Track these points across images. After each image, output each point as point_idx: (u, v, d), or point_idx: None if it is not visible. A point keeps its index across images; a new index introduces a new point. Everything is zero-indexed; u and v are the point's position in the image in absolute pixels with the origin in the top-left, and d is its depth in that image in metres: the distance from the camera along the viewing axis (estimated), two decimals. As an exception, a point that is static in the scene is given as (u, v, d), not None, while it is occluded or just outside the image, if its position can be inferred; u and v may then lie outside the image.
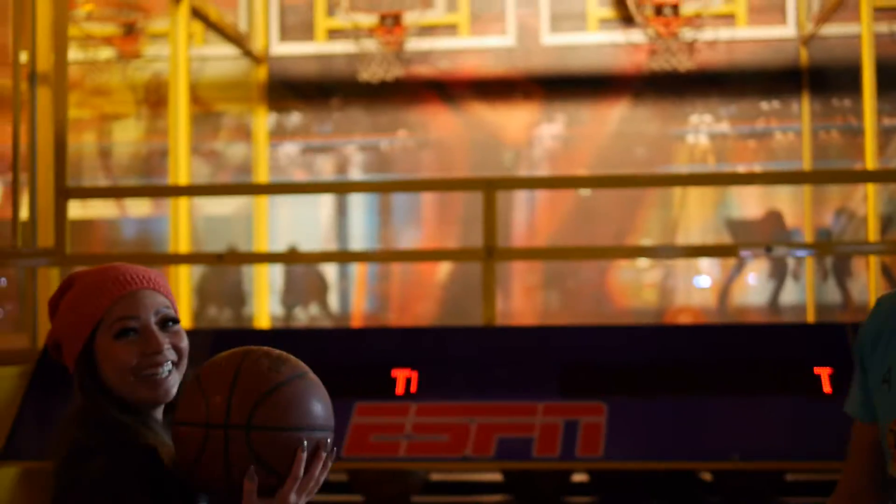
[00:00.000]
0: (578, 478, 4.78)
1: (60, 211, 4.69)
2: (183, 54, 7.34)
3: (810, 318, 8.90)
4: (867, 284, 7.54)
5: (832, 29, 8.82)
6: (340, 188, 9.23)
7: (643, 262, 9.34)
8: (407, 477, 4.54)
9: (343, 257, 8.87)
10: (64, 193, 4.67)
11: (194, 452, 1.77)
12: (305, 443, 1.81)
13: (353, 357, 4.30)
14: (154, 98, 9.27)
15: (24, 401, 4.26)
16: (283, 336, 5.63)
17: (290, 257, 8.23)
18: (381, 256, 8.56)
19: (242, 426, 1.79)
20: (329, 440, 1.86)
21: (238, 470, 1.78)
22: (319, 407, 1.85)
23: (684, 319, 8.93)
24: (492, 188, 4.56)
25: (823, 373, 4.06)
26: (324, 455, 1.84)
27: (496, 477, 4.82)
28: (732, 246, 8.38)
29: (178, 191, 6.91)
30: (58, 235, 4.70)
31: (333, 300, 9.65)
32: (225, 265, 8.82)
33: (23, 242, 4.82)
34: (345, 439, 4.09)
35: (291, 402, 1.81)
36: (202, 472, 1.79)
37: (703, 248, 8.58)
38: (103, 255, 7.69)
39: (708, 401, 4.08)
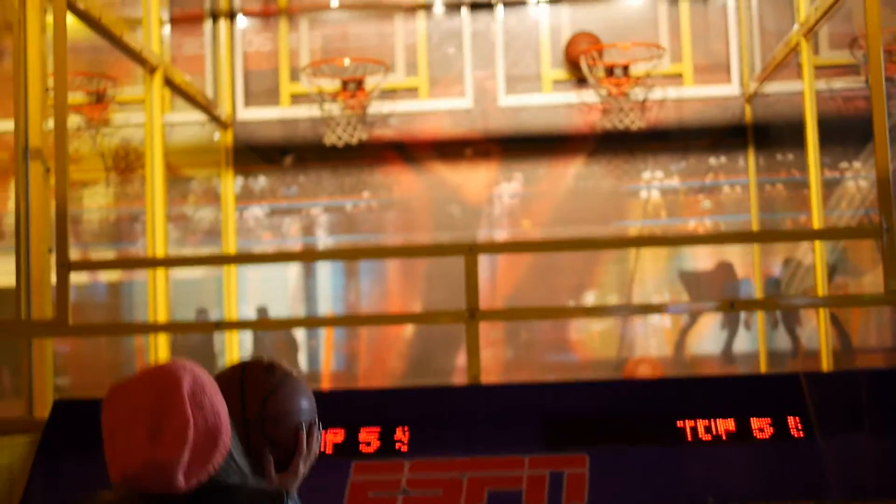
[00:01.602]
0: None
1: (62, 283, 4.89)
2: (157, 122, 7.57)
3: (763, 366, 9.25)
4: (816, 331, 7.87)
5: (774, 87, 9.24)
6: (315, 256, 9.49)
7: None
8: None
9: (329, 322, 9.14)
10: (66, 266, 4.88)
11: None
12: (303, 424, 2.46)
13: (350, 416, 4.54)
14: (123, 164, 9.47)
15: (34, 469, 4.43)
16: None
17: (280, 324, 8.53)
18: (368, 321, 8.87)
19: (257, 418, 2.42)
20: (316, 421, 2.53)
21: (257, 452, 2.38)
22: (307, 397, 2.55)
23: (644, 370, 9.25)
24: (473, 253, 4.85)
25: (791, 420, 4.38)
26: (315, 432, 2.49)
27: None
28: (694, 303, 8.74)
29: (170, 262, 7.16)
30: (59, 307, 4.90)
31: (303, 359, 9.85)
32: (220, 330, 9.00)
33: (25, 314, 5.04)
34: (344, 498, 4.31)
35: (288, 396, 2.49)
36: None
37: (658, 305, 8.97)
38: (104, 325, 7.87)
39: (683, 449, 4.38)
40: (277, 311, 9.68)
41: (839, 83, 9.41)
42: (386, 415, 4.59)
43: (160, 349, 7.21)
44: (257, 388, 2.48)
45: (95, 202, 9.81)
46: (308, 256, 9.11)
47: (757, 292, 9.45)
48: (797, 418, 4.46)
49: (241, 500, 2.01)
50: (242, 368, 2.56)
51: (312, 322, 8.96)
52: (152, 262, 6.98)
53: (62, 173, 4.98)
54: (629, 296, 9.70)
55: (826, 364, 7.39)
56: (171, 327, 6.77)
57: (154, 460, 1.90)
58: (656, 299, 9.66)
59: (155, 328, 6.96)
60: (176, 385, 1.95)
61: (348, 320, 9.12)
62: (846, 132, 9.24)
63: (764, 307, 9.10)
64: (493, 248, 7.94)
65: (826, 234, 7.78)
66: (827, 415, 4.46)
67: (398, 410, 4.63)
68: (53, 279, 5.13)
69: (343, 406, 4.63)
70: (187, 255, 8.81)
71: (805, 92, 7.70)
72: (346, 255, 9.29)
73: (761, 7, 9.75)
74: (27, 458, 4.47)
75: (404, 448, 4.47)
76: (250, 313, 9.52)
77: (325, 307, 9.83)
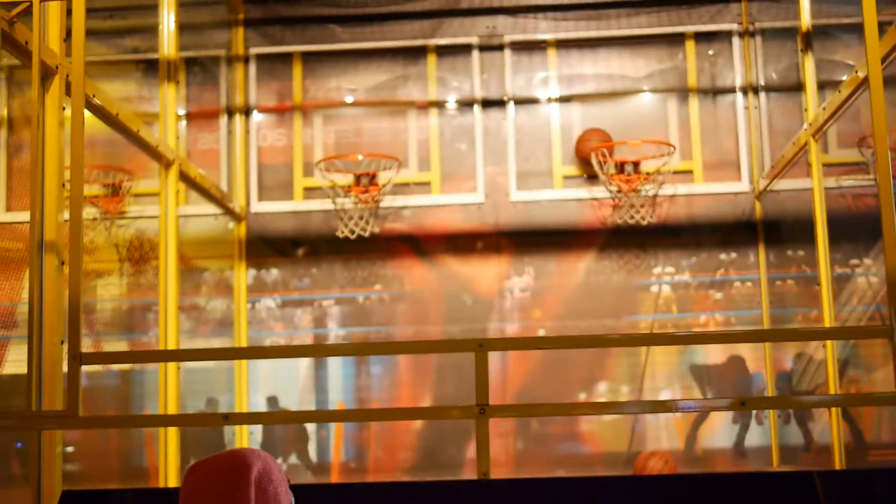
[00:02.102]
0: None
1: (73, 375, 4.93)
2: (172, 214, 7.66)
3: (775, 461, 9.20)
4: (828, 426, 7.84)
5: (784, 184, 9.33)
6: (325, 351, 9.49)
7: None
8: None
9: (339, 416, 9.09)
10: (78, 359, 4.92)
11: None
12: None
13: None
14: (137, 255, 9.56)
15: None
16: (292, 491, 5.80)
17: (289, 417, 8.53)
18: (378, 415, 8.87)
19: None
20: None
21: None
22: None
23: (655, 464, 9.19)
24: (484, 349, 4.87)
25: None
26: None
27: None
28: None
29: (182, 354, 7.20)
30: (70, 398, 4.93)
31: (312, 450, 9.83)
32: (231, 425, 9.00)
33: (35, 405, 5.07)
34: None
35: None
36: None
37: (668, 402, 8.95)
38: (115, 417, 7.87)
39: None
40: (288, 400, 9.68)
41: (848, 181, 9.49)
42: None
43: (170, 438, 7.20)
44: None
45: (109, 292, 9.88)
46: (318, 351, 9.16)
47: (769, 387, 9.44)
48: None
49: None
50: None
51: (321, 416, 8.95)
52: (164, 356, 7.02)
53: (76, 267, 5.04)
54: (640, 388, 9.68)
55: (838, 460, 7.35)
56: (180, 420, 6.79)
57: None
58: (667, 392, 9.65)
59: (164, 421, 6.97)
60: (246, 468, 2.16)
61: (358, 415, 9.12)
62: (856, 229, 9.30)
63: (776, 405, 9.08)
64: (504, 344, 7.96)
65: (836, 332, 7.79)
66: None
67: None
68: (65, 369, 5.16)
69: (353, 501, 4.61)
70: (199, 347, 8.85)
71: (814, 189, 7.78)
72: (356, 351, 9.30)
73: (770, 106, 9.89)
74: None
75: (413, 544, 4.46)
76: (261, 401, 9.53)
77: (336, 397, 9.83)
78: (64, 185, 5.47)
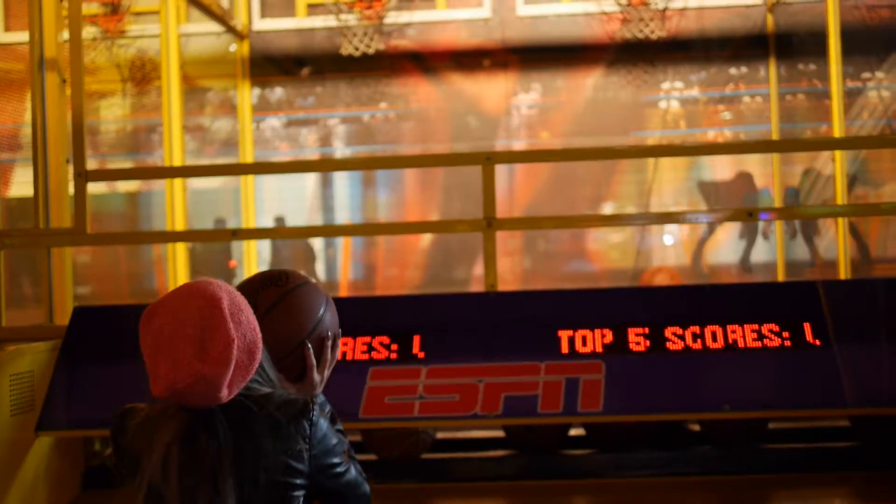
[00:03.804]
0: (575, 432, 5.07)
1: (80, 192, 4.91)
2: (173, 34, 7.54)
3: (780, 275, 9.26)
4: (834, 241, 7.87)
5: (797, -5, 9.13)
6: (335, 165, 9.46)
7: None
8: (417, 435, 4.82)
9: (346, 231, 9.11)
10: (84, 176, 4.90)
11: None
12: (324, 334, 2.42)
13: (367, 323, 4.58)
14: (139, 75, 9.44)
15: (55, 375, 4.50)
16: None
17: (297, 232, 8.57)
18: (385, 229, 8.90)
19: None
20: (332, 330, 2.45)
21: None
22: (321, 307, 2.44)
23: (661, 279, 9.27)
24: (490, 162, 4.83)
25: (806, 326, 4.40)
26: (328, 343, 2.42)
27: (499, 433, 5.10)
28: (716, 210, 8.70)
29: (187, 171, 7.19)
30: (77, 216, 4.93)
31: (320, 269, 9.91)
32: (238, 239, 9.06)
33: (43, 223, 5.08)
34: (361, 402, 4.37)
35: (298, 304, 2.40)
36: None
37: (676, 213, 8.94)
38: (122, 234, 7.88)
39: (699, 357, 4.40)
40: (295, 221, 9.70)
41: (862, -8, 9.28)
42: (403, 321, 4.62)
43: (178, 259, 7.26)
44: (269, 298, 2.41)
45: (112, 113, 9.81)
46: (325, 166, 9.10)
47: (776, 202, 9.42)
48: (814, 326, 4.47)
49: (270, 410, 2.14)
50: (258, 281, 2.50)
51: (330, 231, 8.98)
52: (169, 172, 7.00)
53: (78, 84, 4.98)
54: (647, 206, 9.68)
55: (844, 274, 7.39)
56: (189, 236, 6.81)
57: (202, 376, 2.02)
58: (675, 209, 9.65)
59: (173, 237, 7.00)
60: (217, 304, 2.07)
61: (365, 229, 9.11)
62: (869, 42, 9.14)
63: (783, 216, 9.07)
64: (511, 157, 7.92)
65: (847, 143, 7.73)
66: (844, 323, 4.47)
67: (415, 317, 4.66)
68: (71, 189, 5.15)
69: (360, 313, 4.66)
70: (204, 164, 8.80)
71: (828, 1, 7.63)
72: (362, 165, 9.27)
73: (787, -90, 9.58)
74: (48, 364, 4.54)
75: (421, 354, 4.51)
76: (268, 224, 9.54)
77: (343, 217, 9.86)
78: (62, 2, 5.35)
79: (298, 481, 2.16)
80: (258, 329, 2.14)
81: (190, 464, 2.07)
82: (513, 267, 9.75)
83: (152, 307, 2.10)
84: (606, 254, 9.84)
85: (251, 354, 2.09)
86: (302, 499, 2.18)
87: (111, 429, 2.20)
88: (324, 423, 2.21)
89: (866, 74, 9.53)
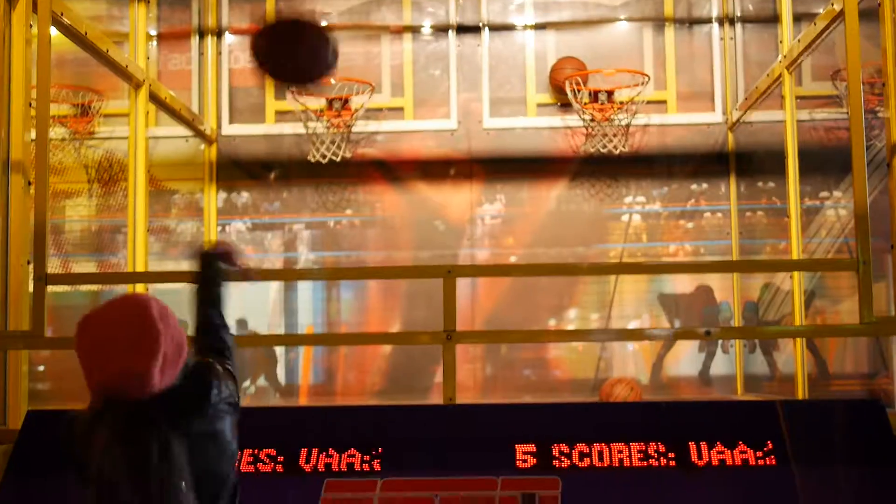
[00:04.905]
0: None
1: (39, 296, 4.91)
2: (142, 135, 7.60)
3: (739, 389, 9.31)
4: (793, 356, 7.92)
5: (757, 116, 9.32)
6: (300, 275, 9.47)
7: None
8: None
9: (308, 340, 9.13)
10: (44, 279, 4.90)
11: None
12: None
13: (324, 434, 4.56)
14: (106, 176, 9.47)
15: (5, 479, 4.44)
16: (257, 414, 5.83)
17: (257, 340, 8.52)
18: (346, 339, 8.91)
19: None
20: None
21: None
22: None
23: (621, 391, 9.28)
24: (451, 275, 4.89)
25: (766, 446, 4.43)
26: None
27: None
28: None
29: (147, 277, 7.19)
30: (36, 319, 4.92)
31: (280, 373, 9.85)
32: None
33: (1, 325, 5.06)
34: (316, 514, 4.33)
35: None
36: None
37: (635, 331, 9.05)
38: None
39: (659, 472, 4.41)
40: (257, 323, 9.68)
41: (821, 114, 9.50)
42: (360, 433, 4.61)
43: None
44: None
45: (78, 213, 9.82)
46: (288, 276, 9.11)
47: (735, 317, 9.51)
48: (772, 445, 4.50)
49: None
50: None
51: (291, 340, 8.97)
52: (130, 278, 7.00)
53: (42, 187, 5.01)
54: (609, 316, 9.74)
55: (802, 390, 7.44)
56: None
57: (133, 368, 2.27)
58: (636, 320, 9.72)
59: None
60: (146, 307, 2.34)
61: (326, 339, 9.14)
62: (827, 162, 9.31)
63: (741, 335, 9.17)
64: (472, 271, 7.98)
65: (804, 265, 7.86)
66: (802, 443, 4.50)
67: (373, 429, 4.66)
68: (31, 290, 5.15)
69: (318, 423, 4.65)
70: (167, 270, 8.79)
71: (787, 122, 7.81)
72: (326, 276, 9.29)
73: (745, 37, 9.85)
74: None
75: (377, 467, 4.50)
76: (230, 325, 9.48)
77: (305, 320, 9.84)
78: (31, 105, 5.41)
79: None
80: (184, 332, 2.42)
81: (130, 453, 2.30)
82: (474, 373, 9.74)
83: (86, 317, 2.36)
84: (567, 362, 9.86)
85: (179, 348, 2.35)
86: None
87: (60, 439, 2.40)
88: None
89: (824, 193, 9.70)
